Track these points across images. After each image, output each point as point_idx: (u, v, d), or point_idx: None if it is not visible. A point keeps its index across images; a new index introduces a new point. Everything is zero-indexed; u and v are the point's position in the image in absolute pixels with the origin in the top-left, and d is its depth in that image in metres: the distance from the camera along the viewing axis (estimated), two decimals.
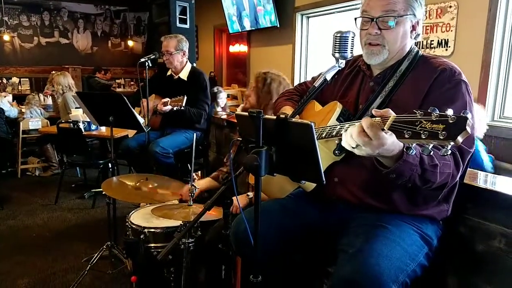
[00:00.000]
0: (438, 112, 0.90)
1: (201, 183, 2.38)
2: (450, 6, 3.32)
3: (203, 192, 2.35)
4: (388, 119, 1.00)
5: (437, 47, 3.44)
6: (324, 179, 1.09)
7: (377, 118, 1.04)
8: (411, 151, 1.00)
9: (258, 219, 1.14)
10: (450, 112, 0.89)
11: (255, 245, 1.16)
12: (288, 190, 1.63)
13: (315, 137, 1.03)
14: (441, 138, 0.88)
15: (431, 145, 0.91)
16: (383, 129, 1.01)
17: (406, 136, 0.94)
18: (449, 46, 3.36)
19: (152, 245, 2.03)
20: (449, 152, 0.90)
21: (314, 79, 1.81)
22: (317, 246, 1.58)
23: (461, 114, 0.87)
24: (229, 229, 1.47)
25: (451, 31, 3.33)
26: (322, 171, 1.09)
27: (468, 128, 0.86)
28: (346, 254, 1.28)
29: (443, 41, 3.40)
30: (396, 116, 0.99)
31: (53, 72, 5.68)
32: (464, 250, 1.58)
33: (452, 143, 0.88)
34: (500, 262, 1.48)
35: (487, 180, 1.75)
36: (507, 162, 2.95)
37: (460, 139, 0.87)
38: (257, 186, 1.08)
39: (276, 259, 1.55)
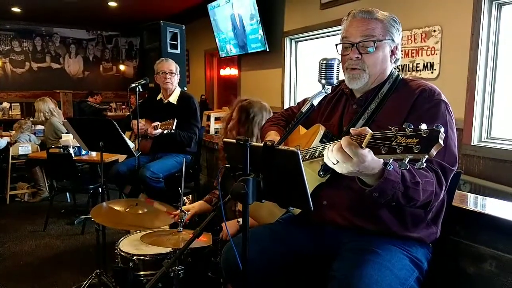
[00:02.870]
0: (412, 127, 0.92)
1: (194, 206, 2.36)
2: (434, 31, 3.41)
3: (194, 217, 2.33)
4: (366, 136, 1.02)
5: (423, 70, 3.52)
6: (311, 205, 1.09)
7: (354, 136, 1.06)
8: (389, 167, 1.02)
9: (246, 246, 1.13)
10: (423, 126, 0.91)
11: (243, 272, 1.15)
12: (277, 214, 1.63)
13: (302, 164, 1.04)
14: (416, 151, 0.90)
15: (407, 160, 0.93)
16: (361, 147, 1.03)
17: (383, 152, 0.96)
18: (435, 69, 3.43)
19: (142, 272, 1.99)
20: (424, 165, 0.92)
21: (300, 105, 1.84)
22: (309, 271, 1.57)
23: (433, 127, 0.89)
24: (218, 256, 1.45)
25: (436, 54, 3.41)
26: (309, 195, 1.10)
27: (440, 141, 0.88)
28: (336, 280, 1.27)
29: (428, 64, 3.47)
30: (373, 133, 1.01)
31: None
32: (455, 273, 1.58)
33: (426, 156, 0.89)
34: (491, 284, 1.48)
35: (476, 202, 1.76)
36: (495, 182, 2.99)
37: (433, 151, 0.89)
38: (245, 213, 1.08)
39: (267, 286, 1.53)
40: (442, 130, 0.89)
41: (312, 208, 1.11)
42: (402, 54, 1.56)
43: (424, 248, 1.43)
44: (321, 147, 1.35)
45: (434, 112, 1.35)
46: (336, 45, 1.52)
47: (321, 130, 1.49)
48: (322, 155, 1.30)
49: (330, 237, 1.49)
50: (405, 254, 1.36)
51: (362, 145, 1.02)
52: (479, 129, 3.22)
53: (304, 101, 1.84)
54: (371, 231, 1.41)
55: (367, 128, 1.05)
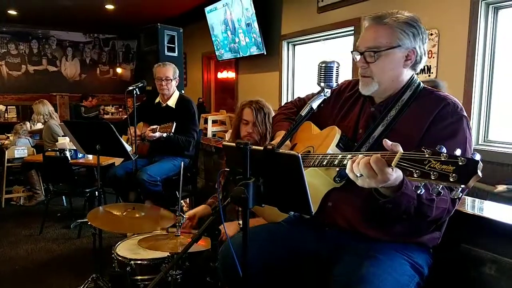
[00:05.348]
0: (447, 153, 0.89)
1: (198, 210, 2.34)
2: (432, 34, 3.42)
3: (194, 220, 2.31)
4: (395, 155, 0.99)
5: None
6: (312, 210, 1.08)
7: (384, 152, 1.04)
8: (420, 191, 0.98)
9: (246, 249, 1.12)
10: (458, 152, 0.88)
11: (243, 276, 1.14)
12: (282, 214, 1.60)
13: (303, 168, 1.03)
14: (452, 180, 0.86)
15: (441, 186, 0.90)
16: (389, 165, 1.01)
17: (415, 175, 0.93)
18: (432, 72, 3.44)
19: (139, 277, 1.97)
20: (460, 195, 0.89)
21: (313, 94, 1.78)
22: (309, 272, 1.56)
23: (471, 156, 0.86)
24: (217, 261, 1.44)
25: (433, 57, 3.42)
26: (310, 200, 1.08)
27: (479, 172, 0.84)
28: (337, 284, 1.27)
29: (425, 67, 3.48)
30: (404, 153, 0.98)
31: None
32: (455, 277, 1.57)
33: (463, 186, 0.86)
34: None
35: (474, 205, 1.76)
36: (491, 185, 2.98)
37: (471, 183, 0.85)
38: (245, 218, 1.07)
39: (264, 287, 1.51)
40: (478, 158, 0.86)
41: (313, 214, 1.10)
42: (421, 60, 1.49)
43: (425, 253, 1.42)
44: (340, 155, 1.30)
45: (456, 127, 1.33)
46: (352, 51, 1.49)
47: (338, 133, 1.46)
48: (342, 165, 1.26)
49: (332, 240, 1.48)
50: (406, 260, 1.35)
51: (391, 164, 1.00)
52: (476, 132, 3.23)
53: (318, 93, 1.79)
54: (373, 236, 1.40)
55: (399, 145, 1.03)
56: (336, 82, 1.45)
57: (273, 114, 2.24)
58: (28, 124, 5.79)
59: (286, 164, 1.07)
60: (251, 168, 1.08)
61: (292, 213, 1.32)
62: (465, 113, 1.37)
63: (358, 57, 1.44)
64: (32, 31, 8.84)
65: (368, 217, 1.39)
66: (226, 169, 1.21)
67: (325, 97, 1.46)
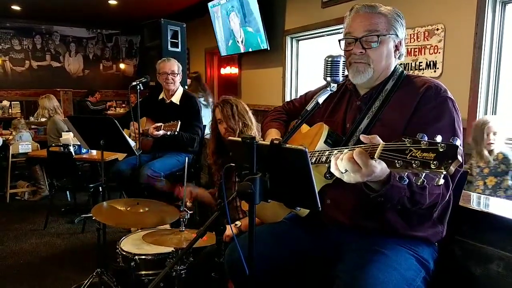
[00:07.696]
0: (427, 140, 0.88)
1: (198, 190, 2.40)
2: (437, 29, 3.39)
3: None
4: (378, 147, 0.99)
5: (425, 69, 3.50)
6: (319, 205, 1.07)
7: (366, 145, 1.03)
8: (403, 181, 0.98)
9: (252, 247, 1.12)
10: (439, 139, 0.87)
11: (250, 273, 1.14)
12: (281, 214, 1.61)
13: (310, 162, 1.02)
14: (433, 167, 0.86)
15: (424, 174, 0.89)
16: (373, 158, 0.99)
17: (398, 165, 0.92)
18: (438, 68, 3.41)
19: (143, 272, 1.98)
20: (442, 181, 0.88)
21: (302, 98, 1.81)
22: (313, 272, 1.55)
23: (451, 141, 0.85)
24: (222, 256, 1.43)
25: (439, 53, 3.39)
26: (317, 195, 1.07)
27: (459, 157, 0.84)
28: (341, 281, 1.25)
29: (431, 62, 3.45)
30: (385, 144, 0.97)
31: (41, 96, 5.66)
32: (462, 274, 1.56)
33: (444, 172, 0.86)
34: (499, 286, 1.46)
35: (480, 202, 1.75)
36: None
37: (452, 168, 0.85)
38: (251, 213, 1.06)
39: (268, 286, 1.51)
40: (459, 143, 0.85)
41: (320, 209, 1.08)
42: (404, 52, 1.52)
43: (430, 248, 1.41)
44: (327, 152, 1.31)
45: (440, 110, 1.32)
46: (339, 40, 1.49)
47: (325, 130, 1.45)
48: (329, 161, 1.24)
49: (334, 237, 1.47)
50: (411, 254, 1.34)
51: (374, 156, 0.98)
52: None
53: (306, 94, 1.82)
54: (376, 230, 1.39)
55: (377, 137, 1.02)
56: (342, 76, 1.43)
57: (241, 106, 2.30)
58: (31, 118, 5.81)
59: (293, 158, 1.05)
60: (257, 162, 1.06)
61: (299, 208, 1.30)
62: (450, 95, 1.35)
63: (352, 45, 1.42)
64: (35, 27, 8.83)
65: (367, 211, 1.38)
66: (231, 164, 1.20)
67: (331, 92, 1.44)
